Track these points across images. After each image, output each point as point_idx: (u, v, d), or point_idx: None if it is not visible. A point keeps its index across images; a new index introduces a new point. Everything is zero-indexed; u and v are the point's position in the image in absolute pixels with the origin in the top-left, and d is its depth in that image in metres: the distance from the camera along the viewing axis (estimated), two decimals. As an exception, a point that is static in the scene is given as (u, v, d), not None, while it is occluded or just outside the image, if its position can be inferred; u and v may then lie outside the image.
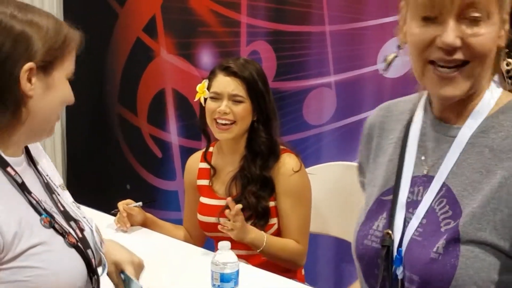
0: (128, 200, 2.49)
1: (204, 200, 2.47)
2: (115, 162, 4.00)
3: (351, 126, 3.06)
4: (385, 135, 1.46)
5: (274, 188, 2.36)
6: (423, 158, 1.34)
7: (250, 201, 2.33)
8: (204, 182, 2.50)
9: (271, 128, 2.38)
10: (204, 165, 2.50)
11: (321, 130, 3.16)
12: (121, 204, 2.47)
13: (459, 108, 1.29)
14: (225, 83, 2.35)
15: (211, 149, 2.50)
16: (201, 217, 2.46)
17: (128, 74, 3.88)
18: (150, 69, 3.76)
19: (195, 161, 2.54)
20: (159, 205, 3.58)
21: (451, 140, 1.29)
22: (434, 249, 1.23)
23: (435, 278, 1.22)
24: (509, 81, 1.26)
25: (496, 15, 1.22)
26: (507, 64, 1.25)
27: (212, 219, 2.40)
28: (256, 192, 2.34)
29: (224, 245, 1.85)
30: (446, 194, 1.25)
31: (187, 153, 3.15)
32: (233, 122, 2.34)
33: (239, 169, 2.39)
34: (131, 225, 2.48)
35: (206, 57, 3.50)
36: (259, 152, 2.37)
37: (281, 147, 2.41)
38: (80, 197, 2.72)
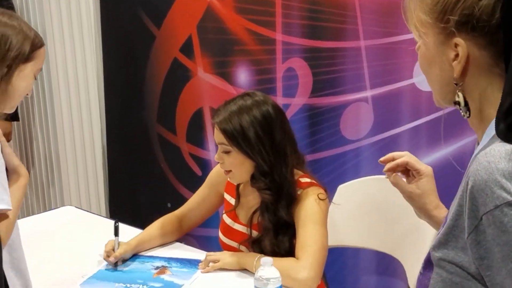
0: (110, 246, 2.39)
1: (227, 220, 2.48)
2: (156, 181, 4.04)
3: (388, 140, 3.07)
4: None
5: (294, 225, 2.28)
6: None
7: (267, 248, 2.30)
8: (229, 198, 2.50)
9: (277, 172, 2.27)
10: None
11: (359, 144, 3.17)
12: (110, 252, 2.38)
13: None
14: (215, 133, 2.32)
15: None
16: (224, 238, 2.48)
17: (166, 94, 3.94)
18: (187, 89, 3.81)
19: None
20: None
21: None
22: (421, 270, 1.27)
23: None
24: (460, 111, 1.24)
25: (430, 38, 1.23)
26: (457, 96, 1.22)
27: (234, 244, 2.42)
28: (273, 240, 2.30)
29: (266, 261, 1.87)
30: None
31: (226, 170, 3.20)
32: (230, 170, 2.33)
33: (258, 209, 2.36)
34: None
35: (243, 75, 3.54)
36: (267, 203, 2.30)
37: (308, 180, 2.34)
38: (121, 216, 2.79)
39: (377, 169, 2.92)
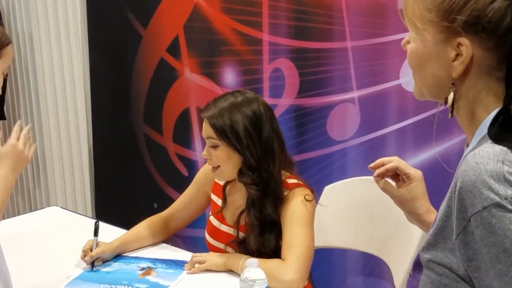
0: (88, 245, 2.37)
1: (214, 221, 2.47)
2: (142, 181, 4.03)
3: (375, 141, 3.07)
4: None
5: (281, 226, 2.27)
6: None
7: (253, 246, 2.29)
8: (216, 199, 2.49)
9: (264, 169, 2.27)
10: (221, 181, 2.49)
11: (345, 145, 3.17)
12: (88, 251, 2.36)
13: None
14: (203, 128, 2.31)
15: None
16: (210, 239, 2.47)
17: (153, 95, 3.93)
18: (174, 89, 3.80)
19: None
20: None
21: None
22: (410, 271, 1.27)
23: None
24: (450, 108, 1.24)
25: (430, 35, 1.22)
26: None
27: (220, 245, 2.42)
28: (258, 237, 2.28)
29: (252, 262, 1.86)
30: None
31: (212, 171, 3.19)
32: (218, 166, 2.32)
33: (244, 208, 2.35)
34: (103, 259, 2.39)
35: (229, 76, 3.53)
36: (253, 199, 2.29)
37: (295, 181, 2.33)
38: (107, 216, 2.77)
39: (364, 170, 2.91)
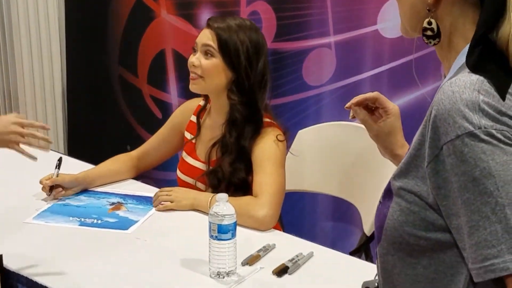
0: (47, 176, 2.39)
1: (186, 158, 2.47)
2: (116, 123, 4.00)
3: (350, 87, 3.07)
4: None
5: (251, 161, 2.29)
6: None
7: (225, 171, 2.30)
8: (189, 136, 2.49)
9: (252, 97, 2.29)
10: (195, 119, 2.48)
11: (320, 90, 3.17)
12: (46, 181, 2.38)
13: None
14: (202, 35, 2.31)
15: (208, 106, 2.47)
16: (181, 175, 2.47)
17: (128, 35, 3.87)
18: (150, 30, 3.75)
19: (191, 110, 2.52)
20: (159, 166, 3.60)
21: None
22: (380, 199, 1.27)
23: (376, 225, 1.27)
24: (424, 38, 1.23)
25: None
26: (429, 23, 1.21)
27: (190, 180, 2.42)
28: (231, 162, 2.29)
29: (222, 197, 1.86)
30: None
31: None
32: (201, 76, 2.31)
33: (220, 136, 2.35)
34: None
35: (206, 17, 3.46)
36: (235, 120, 2.30)
37: (268, 120, 2.35)
38: (81, 158, 2.75)
39: (338, 115, 2.93)
